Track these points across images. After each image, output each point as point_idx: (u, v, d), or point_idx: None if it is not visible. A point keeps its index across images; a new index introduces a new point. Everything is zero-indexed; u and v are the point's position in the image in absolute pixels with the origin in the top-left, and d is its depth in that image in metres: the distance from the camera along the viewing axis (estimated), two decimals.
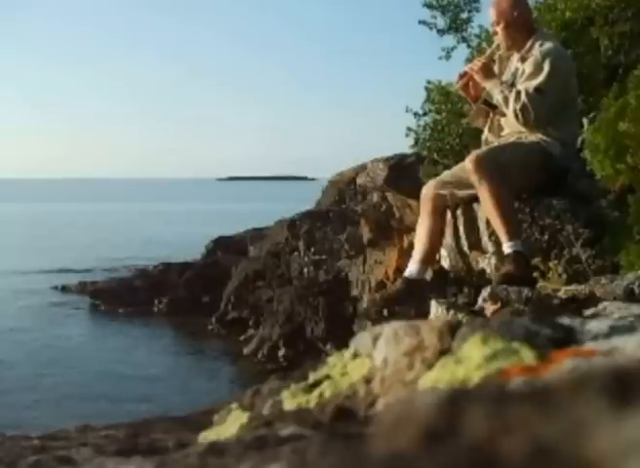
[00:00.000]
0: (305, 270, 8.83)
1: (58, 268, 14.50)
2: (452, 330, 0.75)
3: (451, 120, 5.38)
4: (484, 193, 3.22)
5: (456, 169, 3.57)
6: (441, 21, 5.79)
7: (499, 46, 3.66)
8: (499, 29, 3.59)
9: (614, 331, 0.73)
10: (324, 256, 8.67)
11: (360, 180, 6.91)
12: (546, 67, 3.39)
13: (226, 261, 10.60)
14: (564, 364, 0.62)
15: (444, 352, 0.73)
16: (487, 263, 3.48)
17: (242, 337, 8.56)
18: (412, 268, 3.47)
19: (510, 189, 3.28)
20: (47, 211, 37.28)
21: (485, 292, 2.71)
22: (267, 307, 8.57)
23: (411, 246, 3.99)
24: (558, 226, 3.33)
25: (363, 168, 6.85)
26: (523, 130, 3.47)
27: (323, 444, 0.40)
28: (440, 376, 0.69)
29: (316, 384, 0.79)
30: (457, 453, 0.31)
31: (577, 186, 3.59)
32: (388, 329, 0.80)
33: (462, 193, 3.47)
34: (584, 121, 4.27)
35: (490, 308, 2.59)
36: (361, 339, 0.82)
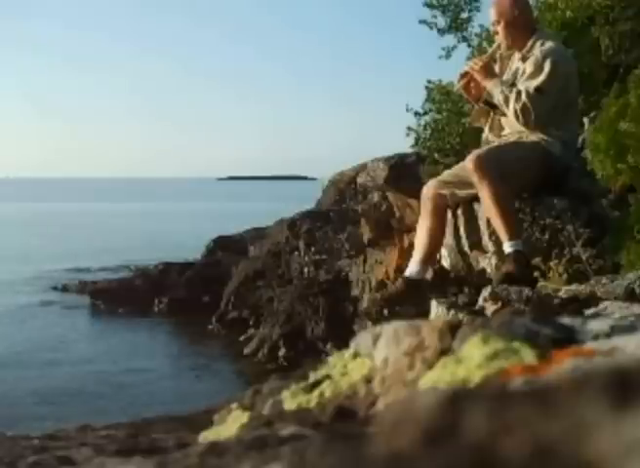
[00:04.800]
0: (306, 270, 8.82)
1: (57, 268, 14.50)
2: (452, 329, 0.75)
3: (451, 119, 5.38)
4: (484, 193, 3.22)
5: (456, 168, 3.57)
6: (441, 21, 5.79)
7: (499, 45, 3.66)
8: (499, 29, 3.59)
9: (614, 330, 0.73)
10: (324, 256, 8.67)
11: (360, 180, 6.90)
12: (547, 67, 3.38)
13: (227, 261, 10.59)
14: (565, 363, 0.62)
15: (444, 352, 0.73)
16: (487, 263, 3.48)
17: (242, 337, 8.55)
18: (412, 268, 3.47)
19: (511, 189, 3.28)
20: (47, 210, 37.29)
21: (485, 292, 2.71)
22: (267, 307, 8.57)
23: (411, 245, 3.99)
24: (559, 226, 3.33)
25: (363, 167, 6.84)
26: (524, 129, 3.47)
27: (323, 444, 0.39)
28: (440, 376, 0.69)
29: (316, 384, 0.79)
30: (457, 453, 0.31)
31: (577, 186, 3.59)
32: (389, 328, 0.80)
33: (463, 193, 3.47)
34: (585, 120, 4.27)
35: (490, 308, 2.59)
36: (361, 339, 0.82)
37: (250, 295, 9.16)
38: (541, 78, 3.38)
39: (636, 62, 4.13)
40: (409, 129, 5.60)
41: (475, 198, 3.42)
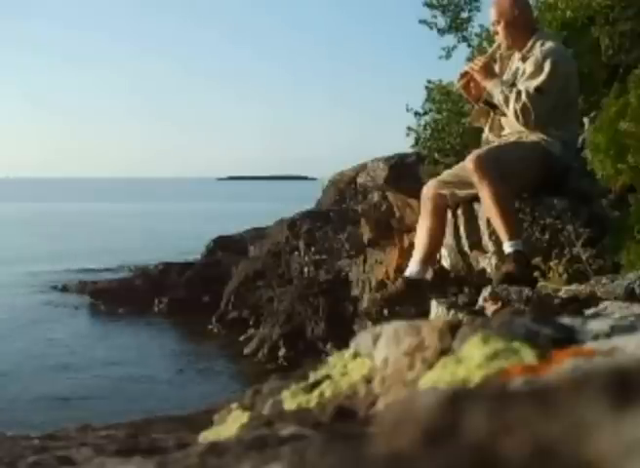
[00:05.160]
0: (306, 270, 8.82)
1: (58, 268, 14.49)
2: (452, 329, 0.75)
3: (451, 119, 5.38)
4: (484, 193, 3.22)
5: (456, 168, 3.57)
6: (441, 21, 5.79)
7: (499, 45, 3.66)
8: (499, 29, 3.59)
9: (614, 330, 0.73)
10: (324, 256, 8.67)
11: (360, 180, 6.90)
12: (547, 67, 3.38)
13: (227, 261, 10.59)
14: (565, 363, 0.62)
15: (444, 352, 0.73)
16: (487, 263, 3.48)
17: (242, 337, 8.55)
18: (412, 268, 3.47)
19: (511, 189, 3.28)
20: (47, 210, 37.27)
21: (485, 292, 2.70)
22: (267, 307, 8.57)
23: (411, 245, 3.99)
24: (559, 226, 3.33)
25: (363, 167, 6.84)
26: (523, 129, 3.47)
27: (323, 444, 0.39)
28: (440, 376, 0.69)
29: (316, 384, 0.79)
30: (457, 453, 0.31)
31: (577, 186, 3.59)
32: (389, 328, 0.80)
33: (463, 193, 3.47)
34: (585, 120, 4.27)
35: (490, 308, 2.59)
36: (361, 339, 0.82)
37: (250, 295, 9.16)
38: (541, 78, 3.38)
39: (636, 62, 4.12)
40: (409, 129, 5.60)
41: (475, 198, 3.42)
